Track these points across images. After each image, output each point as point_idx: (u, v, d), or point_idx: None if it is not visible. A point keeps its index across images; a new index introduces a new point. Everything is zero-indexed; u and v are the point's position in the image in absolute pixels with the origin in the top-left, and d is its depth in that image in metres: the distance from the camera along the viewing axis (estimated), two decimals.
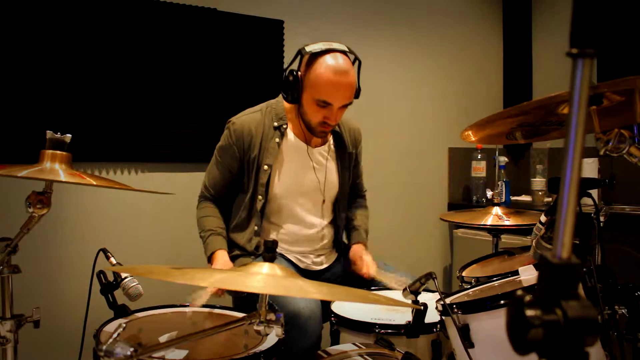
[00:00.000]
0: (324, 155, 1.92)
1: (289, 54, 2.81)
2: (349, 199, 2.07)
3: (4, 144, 2.12)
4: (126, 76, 2.37)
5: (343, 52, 1.73)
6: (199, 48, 2.54)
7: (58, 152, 1.30)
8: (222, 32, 2.60)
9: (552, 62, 3.49)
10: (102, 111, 2.33)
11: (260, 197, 1.81)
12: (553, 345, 0.45)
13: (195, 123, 2.56)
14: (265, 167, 1.80)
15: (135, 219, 2.45)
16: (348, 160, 1.98)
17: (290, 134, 1.85)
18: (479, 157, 3.36)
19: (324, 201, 1.91)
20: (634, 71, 1.07)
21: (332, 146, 1.95)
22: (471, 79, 3.60)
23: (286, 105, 1.85)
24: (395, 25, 3.27)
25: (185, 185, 2.55)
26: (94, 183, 1.31)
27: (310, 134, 1.83)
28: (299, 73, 1.72)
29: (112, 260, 1.41)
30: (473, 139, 1.44)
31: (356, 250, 1.92)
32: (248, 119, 1.84)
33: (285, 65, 2.77)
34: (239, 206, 1.88)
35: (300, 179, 1.86)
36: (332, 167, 1.93)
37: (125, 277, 1.37)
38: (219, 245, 1.80)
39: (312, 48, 1.71)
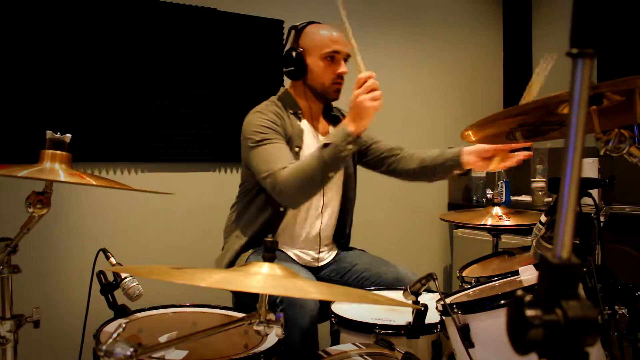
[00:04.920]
0: None
1: None
2: (392, 164, 2.07)
3: (4, 144, 2.12)
4: (126, 76, 2.37)
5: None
6: (199, 48, 2.54)
7: (58, 152, 1.30)
8: (222, 32, 2.60)
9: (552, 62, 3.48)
10: (102, 111, 2.33)
11: None
12: (553, 345, 0.45)
13: (195, 123, 2.56)
14: (296, 149, 1.84)
15: (135, 219, 2.45)
16: None
17: (305, 121, 1.92)
18: None
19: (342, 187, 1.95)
20: (634, 71, 1.07)
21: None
22: (471, 79, 3.60)
23: (294, 93, 1.92)
24: (394, 25, 3.27)
25: (185, 185, 2.55)
26: (94, 183, 1.31)
27: (324, 99, 1.89)
28: (298, 44, 1.85)
29: (112, 260, 1.41)
30: (473, 139, 1.44)
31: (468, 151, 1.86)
32: (267, 108, 1.86)
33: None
34: (257, 190, 1.85)
35: None
36: None
37: (125, 277, 1.37)
38: (333, 130, 1.67)
39: (300, 22, 1.89)
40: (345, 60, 1.86)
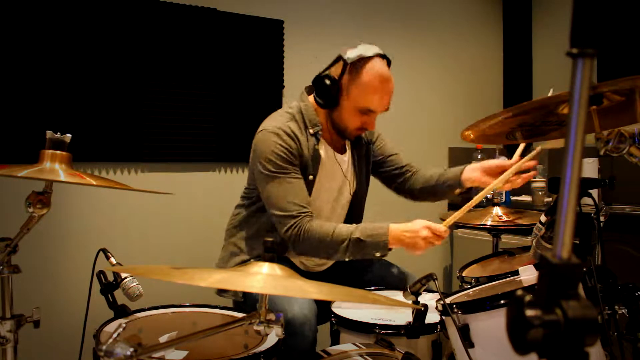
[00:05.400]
0: (349, 160, 1.88)
1: (289, 54, 2.81)
2: (401, 183, 2.03)
3: (4, 144, 2.12)
4: (126, 76, 2.37)
5: (383, 56, 1.72)
6: (199, 48, 2.54)
7: (58, 152, 1.30)
8: (222, 32, 2.60)
9: (552, 62, 3.48)
10: (102, 111, 2.33)
11: None
12: (553, 345, 0.45)
13: (195, 123, 2.55)
14: (310, 177, 1.73)
15: (135, 219, 2.45)
16: (365, 156, 1.93)
17: (323, 142, 1.80)
18: (479, 157, 3.35)
19: (349, 206, 1.89)
20: (634, 71, 1.07)
21: (351, 149, 1.90)
22: (471, 79, 3.60)
23: (316, 109, 1.78)
24: (395, 25, 3.27)
25: (185, 185, 2.55)
26: (94, 183, 1.31)
27: (341, 137, 1.80)
28: (342, 80, 1.69)
29: (112, 260, 1.42)
30: (473, 138, 1.44)
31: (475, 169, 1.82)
32: (288, 127, 1.71)
33: (285, 65, 2.80)
34: (262, 212, 1.78)
35: (335, 186, 1.83)
36: (352, 170, 1.89)
37: (125, 277, 1.37)
38: (379, 224, 1.62)
39: (354, 54, 1.67)
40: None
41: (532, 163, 1.72)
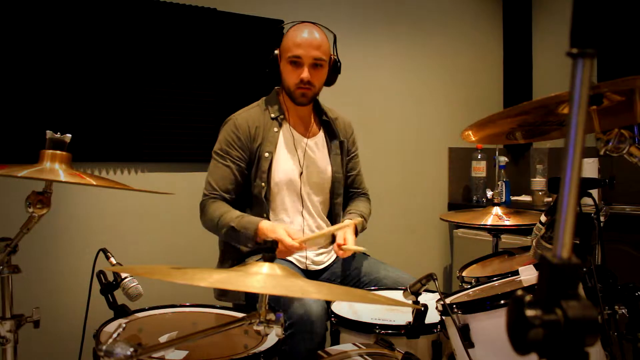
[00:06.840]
0: (318, 146, 1.96)
1: None
2: (348, 196, 2.08)
3: (4, 144, 2.12)
4: (126, 76, 2.37)
5: (312, 23, 1.89)
6: (199, 48, 2.54)
7: (58, 152, 1.30)
8: (222, 32, 2.60)
9: (552, 62, 3.48)
10: (102, 111, 2.33)
11: (263, 184, 1.84)
12: (553, 345, 0.45)
13: (195, 123, 2.55)
14: (267, 154, 1.85)
15: (135, 219, 2.45)
16: (340, 148, 2.00)
17: (287, 125, 1.91)
18: (479, 157, 3.36)
19: (318, 190, 1.95)
20: (634, 71, 1.07)
21: (324, 136, 1.99)
22: (471, 79, 3.60)
23: (280, 95, 1.94)
24: (395, 25, 3.27)
25: (185, 185, 2.55)
26: (94, 183, 1.31)
27: (294, 102, 1.89)
28: (278, 48, 1.89)
29: (112, 260, 1.41)
30: (473, 139, 1.44)
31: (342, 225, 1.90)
32: (248, 113, 1.91)
33: None
34: (243, 202, 1.90)
35: (298, 168, 1.90)
36: (324, 157, 1.97)
37: (125, 277, 1.37)
38: (255, 219, 1.76)
39: (288, 22, 1.91)
40: (319, 65, 1.83)
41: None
